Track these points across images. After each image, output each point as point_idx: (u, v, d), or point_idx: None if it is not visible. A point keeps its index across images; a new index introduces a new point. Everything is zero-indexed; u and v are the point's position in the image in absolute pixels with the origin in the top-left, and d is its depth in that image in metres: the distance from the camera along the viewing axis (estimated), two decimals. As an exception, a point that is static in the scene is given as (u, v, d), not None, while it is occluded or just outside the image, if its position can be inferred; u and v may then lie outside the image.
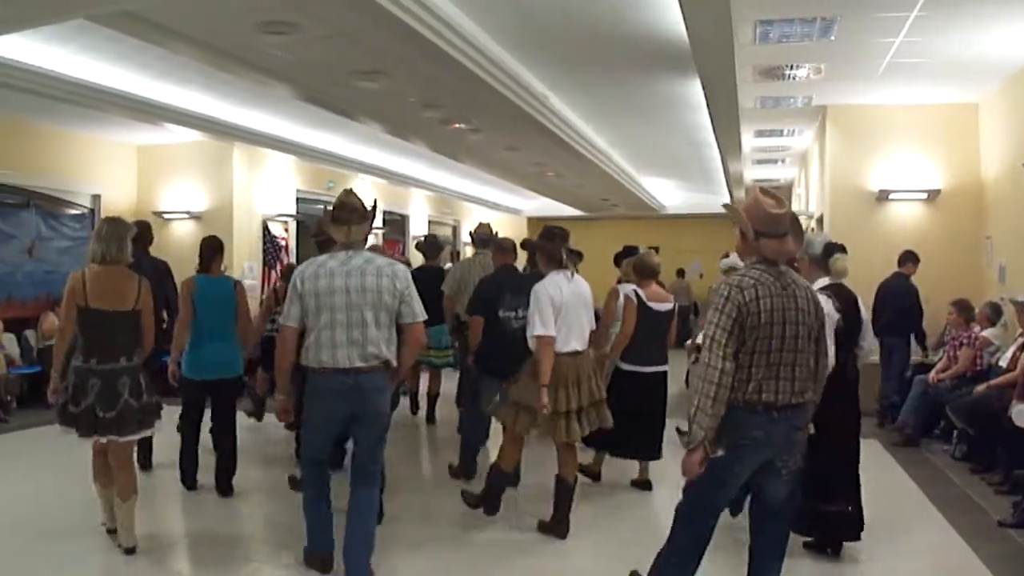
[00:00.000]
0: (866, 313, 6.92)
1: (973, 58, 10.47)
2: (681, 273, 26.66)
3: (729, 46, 8.79)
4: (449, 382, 12.16)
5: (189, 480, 8.53)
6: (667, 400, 8.81)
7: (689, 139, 16.07)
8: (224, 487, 8.50)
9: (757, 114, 13.80)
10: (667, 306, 8.71)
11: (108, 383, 6.46)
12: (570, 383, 6.99)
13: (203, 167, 16.41)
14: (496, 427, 8.17)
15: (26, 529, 7.42)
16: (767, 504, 5.03)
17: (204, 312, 8.26)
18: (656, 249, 29.64)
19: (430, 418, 12.25)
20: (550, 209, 28.26)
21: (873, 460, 10.01)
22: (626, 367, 8.50)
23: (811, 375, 4.87)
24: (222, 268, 8.68)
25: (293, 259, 16.99)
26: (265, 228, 17.00)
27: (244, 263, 16.10)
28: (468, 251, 11.39)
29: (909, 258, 12.09)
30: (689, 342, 10.20)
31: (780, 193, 15.62)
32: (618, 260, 10.27)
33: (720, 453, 4.73)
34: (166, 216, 16.46)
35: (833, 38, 9.62)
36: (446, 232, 26.66)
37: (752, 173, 21.05)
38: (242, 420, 9.19)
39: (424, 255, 12.38)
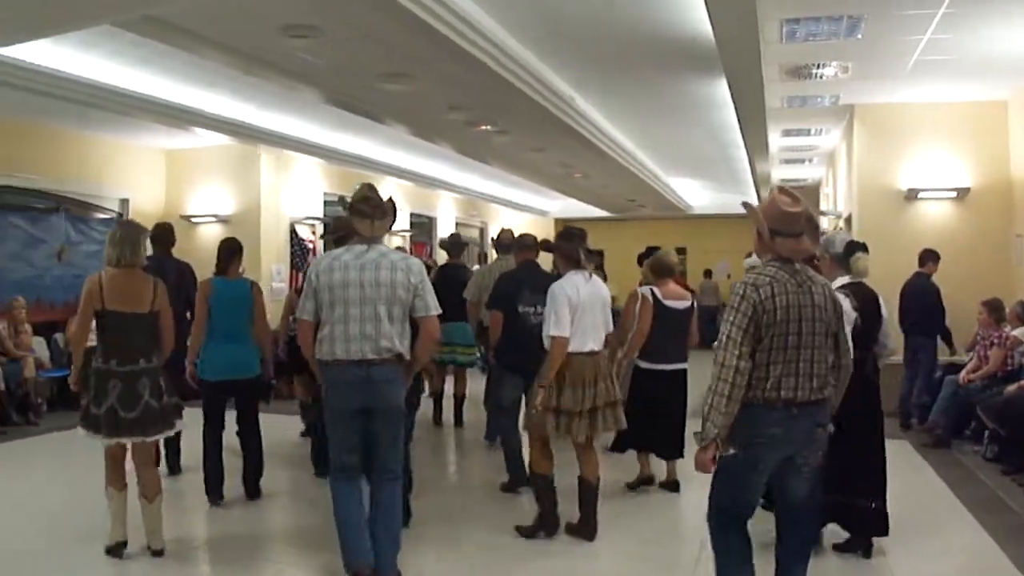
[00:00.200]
0: (887, 312, 6.87)
1: (1001, 55, 10.39)
2: (708, 274, 26.63)
3: (755, 45, 8.76)
4: (475, 383, 12.16)
5: (213, 494, 8.34)
6: (687, 399, 8.78)
7: (716, 139, 16.03)
8: (251, 489, 8.49)
9: (784, 113, 13.74)
10: (684, 304, 8.71)
11: (128, 384, 6.49)
12: (587, 382, 6.98)
13: (230, 171, 16.49)
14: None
15: (57, 531, 7.44)
16: (789, 503, 5.00)
17: (220, 313, 8.25)
18: (683, 250, 29.75)
19: (458, 420, 12.22)
20: (577, 210, 28.24)
21: (903, 461, 9.98)
22: (645, 365, 8.50)
23: (829, 371, 4.85)
24: (240, 270, 8.67)
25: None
26: (292, 231, 17.06)
27: (272, 266, 16.16)
28: (494, 254, 11.36)
29: (929, 257, 11.98)
30: (716, 343, 10.18)
31: (807, 193, 15.48)
32: (641, 261, 10.24)
33: (732, 451, 4.72)
34: (194, 220, 16.55)
35: (860, 36, 9.57)
36: (473, 234, 26.65)
37: (779, 173, 20.96)
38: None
39: (448, 253, 12.37)
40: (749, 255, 10.64)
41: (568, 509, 7.38)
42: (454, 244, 12.47)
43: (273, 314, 10.09)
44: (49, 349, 13.63)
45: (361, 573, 5.99)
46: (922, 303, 11.70)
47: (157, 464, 7.69)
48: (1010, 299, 11.41)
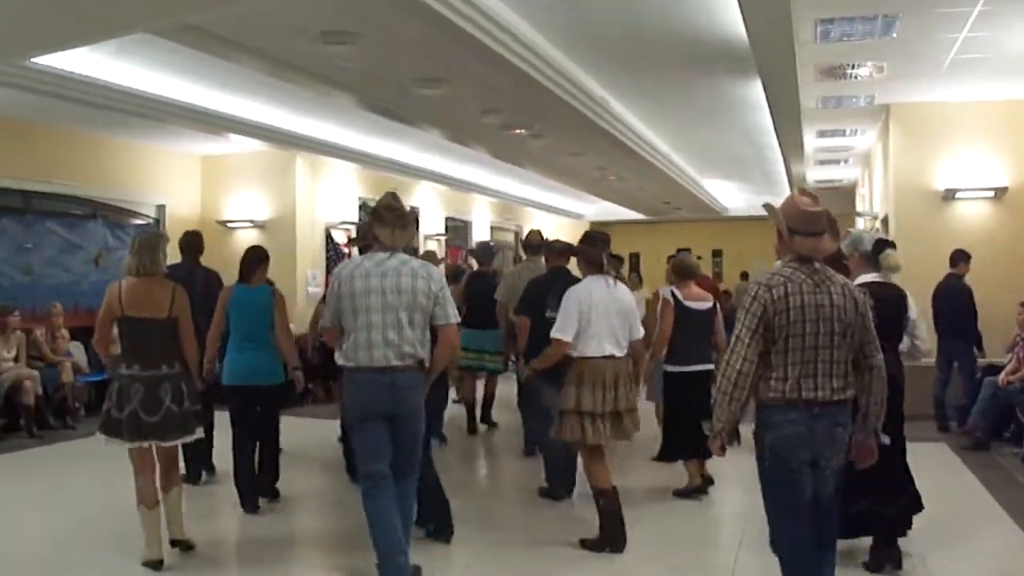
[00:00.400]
0: (915, 312, 6.80)
1: (1039, 52, 10.30)
2: (745, 276, 26.52)
3: (790, 46, 8.74)
4: (505, 386, 12.16)
5: (248, 503, 8.31)
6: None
7: (750, 140, 15.99)
8: (264, 494, 8.48)
9: (819, 114, 13.67)
10: (705, 305, 8.71)
11: (150, 389, 6.54)
12: (608, 385, 7.01)
13: (266, 176, 16.58)
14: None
15: (93, 536, 7.48)
16: (815, 504, 4.90)
17: (240, 320, 8.32)
18: (719, 252, 29.67)
19: (484, 418, 12.22)
20: (612, 213, 28.23)
21: (942, 464, 9.94)
22: (671, 369, 8.53)
23: (852, 371, 4.84)
24: (267, 279, 8.72)
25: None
26: (328, 236, 17.13)
27: (307, 271, 16.23)
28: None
29: (961, 258, 11.84)
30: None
31: (842, 194, 15.54)
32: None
33: (765, 460, 4.78)
34: (230, 225, 16.66)
35: (895, 35, 9.52)
36: (508, 238, 26.66)
37: (814, 174, 20.88)
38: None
39: (478, 261, 12.39)
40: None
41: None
42: (484, 252, 12.49)
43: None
44: (87, 354, 13.70)
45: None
46: (954, 305, 11.60)
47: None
48: (1050, 299, 11.30)
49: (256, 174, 16.62)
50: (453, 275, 14.66)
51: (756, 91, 11.19)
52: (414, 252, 9.77)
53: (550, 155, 15.98)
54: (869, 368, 4.89)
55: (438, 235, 21.98)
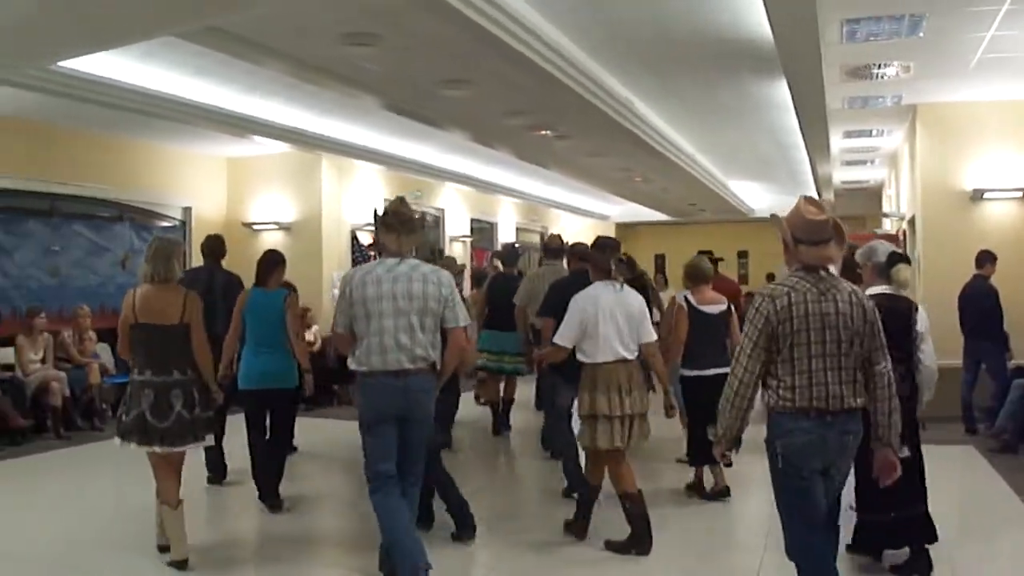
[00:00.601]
0: (924, 326, 6.72)
1: (1068, 51, 10.22)
2: (771, 277, 26.39)
3: (815, 46, 8.69)
4: (525, 388, 12.17)
5: (268, 498, 8.43)
6: None
7: (776, 141, 15.94)
8: (264, 494, 8.49)
9: (845, 114, 13.62)
10: (719, 308, 8.70)
11: (161, 395, 6.60)
12: (623, 389, 7.07)
13: (292, 178, 16.63)
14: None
15: (115, 535, 7.53)
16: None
17: (255, 324, 8.40)
18: (744, 253, 29.60)
19: (505, 424, 12.24)
20: (637, 214, 28.20)
21: (969, 466, 9.90)
22: (688, 373, 8.54)
23: (859, 379, 4.84)
24: (286, 282, 8.81)
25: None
26: (354, 237, 17.16)
27: (333, 272, 16.24)
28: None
29: (987, 258, 11.72)
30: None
31: (869, 195, 15.48)
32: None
33: (778, 466, 4.81)
34: (256, 227, 16.72)
35: (922, 35, 9.46)
36: (534, 239, 26.66)
37: (841, 175, 20.82)
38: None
39: (502, 263, 12.41)
40: None
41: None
42: (508, 254, 12.54)
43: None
44: (113, 356, 13.76)
45: (417, 571, 6.01)
46: (981, 306, 11.49)
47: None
48: (1080, 300, 11.23)
49: (281, 176, 16.68)
50: (477, 280, 14.73)
51: (782, 91, 11.14)
52: (440, 254, 9.81)
53: (575, 156, 15.97)
54: (875, 375, 4.87)
55: (463, 237, 22.00)
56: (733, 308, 9.04)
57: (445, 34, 8.14)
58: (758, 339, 4.72)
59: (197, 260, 10.39)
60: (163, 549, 6.85)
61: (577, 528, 7.36)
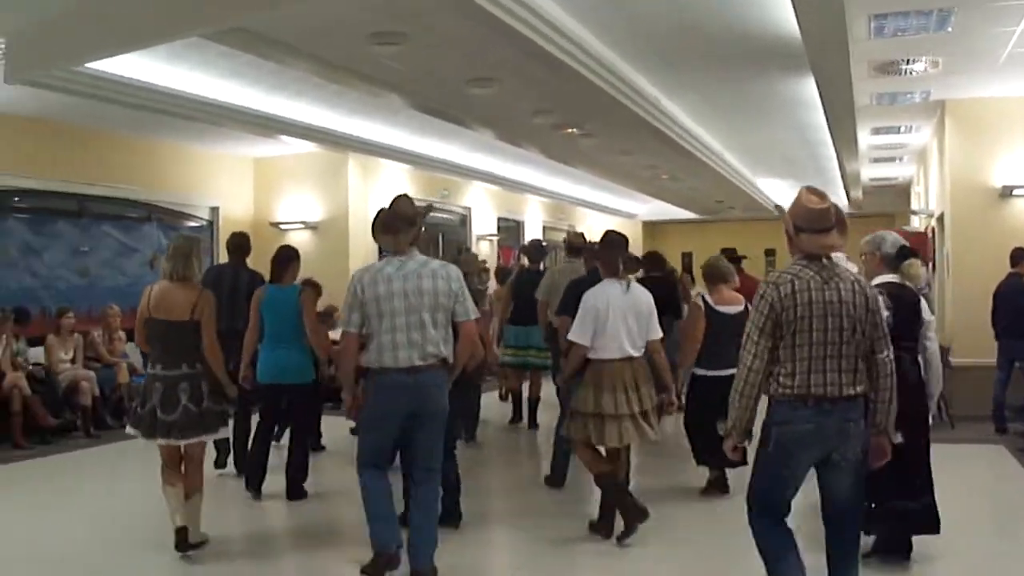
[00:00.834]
0: (929, 315, 6.81)
1: (1098, 45, 10.13)
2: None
3: (843, 42, 8.65)
4: (549, 386, 12.20)
5: (251, 488, 8.70)
6: None
7: (804, 138, 15.87)
8: (289, 489, 8.69)
9: (873, 111, 13.55)
10: (736, 308, 8.64)
11: (169, 388, 6.77)
12: (629, 387, 7.15)
13: (318, 177, 16.69)
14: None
15: (142, 533, 7.54)
16: (833, 500, 5.03)
17: (271, 320, 8.57)
18: (772, 251, 29.48)
19: (532, 423, 12.29)
20: (664, 212, 28.18)
21: (997, 466, 9.88)
22: (700, 372, 8.54)
23: (861, 367, 4.88)
24: (306, 279, 9.03)
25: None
26: (380, 237, 17.11)
27: (360, 271, 16.26)
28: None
29: (1021, 256, 11.62)
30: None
31: (897, 192, 15.43)
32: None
33: (748, 443, 4.98)
34: (283, 227, 16.76)
35: (950, 30, 9.40)
36: (560, 237, 26.60)
37: (869, 172, 20.73)
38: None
39: (528, 258, 12.42)
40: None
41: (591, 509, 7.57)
42: (534, 250, 12.53)
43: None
44: (142, 355, 13.85)
45: (388, 553, 6.18)
46: (1015, 304, 11.36)
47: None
48: (1111, 296, 11.13)
49: (308, 175, 16.74)
50: (501, 276, 14.73)
51: (809, 88, 11.10)
52: (465, 252, 9.80)
53: (601, 154, 15.96)
54: (876, 363, 4.92)
55: (490, 235, 22.01)
56: None
57: (472, 33, 8.15)
58: (764, 325, 4.79)
59: (225, 259, 10.44)
60: (180, 532, 6.93)
61: (602, 527, 7.35)
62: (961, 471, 9.58)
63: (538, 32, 8.11)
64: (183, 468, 7.01)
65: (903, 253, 6.78)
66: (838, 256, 5.22)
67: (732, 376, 8.18)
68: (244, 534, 7.82)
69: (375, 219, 6.45)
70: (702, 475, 8.80)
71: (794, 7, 7.61)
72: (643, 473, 9.18)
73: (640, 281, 10.11)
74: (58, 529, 7.94)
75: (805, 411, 4.76)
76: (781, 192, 24.58)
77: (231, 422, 8.57)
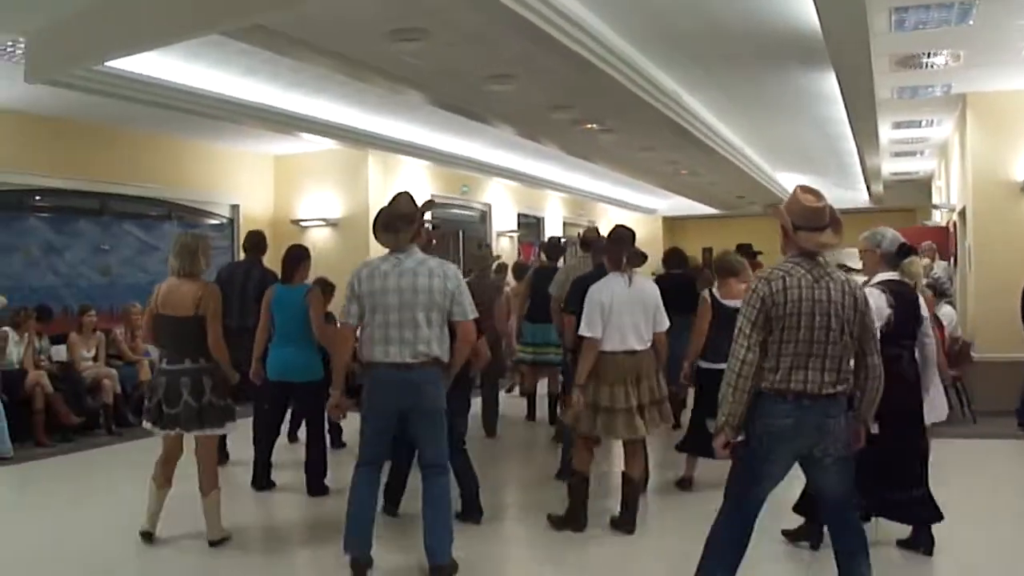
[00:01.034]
0: (924, 311, 6.87)
1: (1121, 37, 10.06)
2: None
3: (864, 35, 8.62)
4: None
5: (255, 482, 8.95)
6: None
7: (824, 133, 15.82)
8: (310, 485, 8.83)
9: (894, 105, 13.50)
10: (740, 302, 8.66)
11: (172, 382, 6.93)
12: (629, 381, 7.19)
13: (338, 175, 16.72)
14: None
15: (169, 530, 7.47)
16: (824, 497, 5.17)
17: (279, 319, 8.73)
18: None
19: (552, 419, 12.22)
20: (685, 208, 28.14)
21: (1017, 461, 9.80)
22: (704, 365, 8.54)
23: (847, 367, 4.97)
24: (319, 279, 9.32)
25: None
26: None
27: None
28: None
29: None
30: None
31: (918, 186, 15.42)
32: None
33: (740, 438, 5.00)
34: (303, 224, 16.80)
35: (972, 23, 9.35)
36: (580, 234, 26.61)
37: (890, 166, 20.65)
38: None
39: (546, 255, 12.41)
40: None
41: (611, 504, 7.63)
42: (552, 247, 12.52)
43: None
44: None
45: (355, 559, 6.30)
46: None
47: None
48: None
49: (328, 173, 16.78)
50: (518, 272, 14.72)
51: (830, 82, 11.04)
52: (486, 247, 9.81)
53: (621, 150, 15.93)
54: (865, 366, 5.03)
55: (510, 232, 22.00)
56: None
57: (491, 28, 8.15)
58: (756, 319, 4.90)
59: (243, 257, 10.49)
60: (146, 536, 7.21)
61: (623, 522, 7.39)
62: (983, 466, 9.56)
63: (558, 28, 8.10)
64: (197, 468, 7.15)
65: (903, 250, 6.89)
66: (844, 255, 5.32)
67: None
68: (261, 529, 7.95)
69: (375, 218, 6.46)
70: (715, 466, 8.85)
71: (815, 2, 7.58)
72: (667, 467, 9.19)
73: (659, 278, 10.16)
74: (80, 526, 7.97)
75: (785, 406, 4.86)
76: (802, 187, 24.47)
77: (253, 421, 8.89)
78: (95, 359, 12.56)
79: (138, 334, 13.33)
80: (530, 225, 23.67)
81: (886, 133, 15.93)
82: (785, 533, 6.91)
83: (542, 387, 12.60)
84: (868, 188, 22.16)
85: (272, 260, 9.76)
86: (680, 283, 10.03)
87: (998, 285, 12.00)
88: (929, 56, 10.76)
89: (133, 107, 11.14)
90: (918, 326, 6.73)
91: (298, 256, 8.88)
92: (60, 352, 12.50)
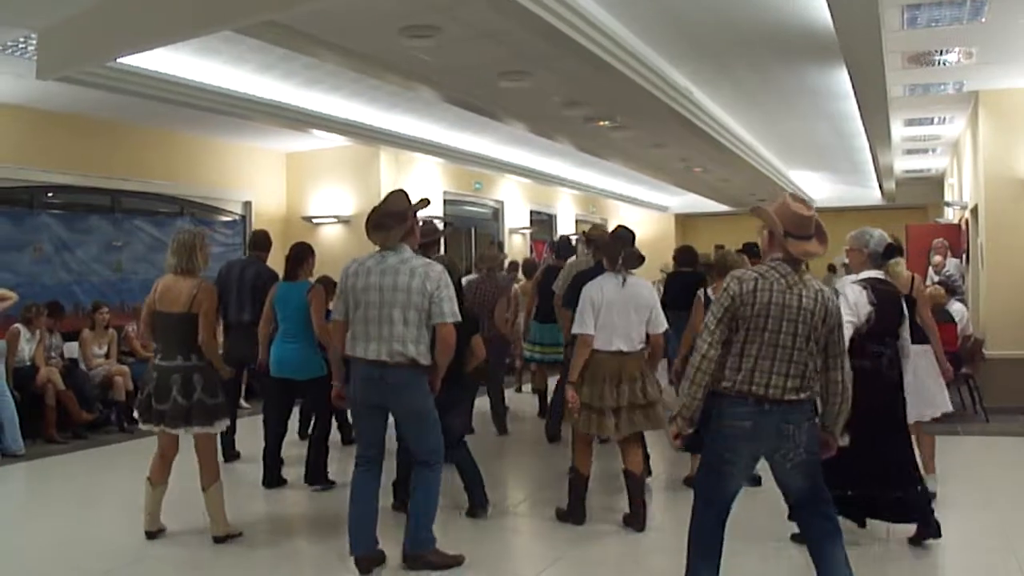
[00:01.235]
0: (906, 313, 6.89)
1: None
2: (832, 268, 26.15)
3: (876, 33, 8.60)
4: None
5: (266, 480, 8.93)
6: None
7: (837, 130, 15.79)
8: (307, 475, 8.88)
9: (906, 102, 13.47)
10: None
11: (163, 378, 6.96)
12: (609, 380, 7.19)
13: (350, 171, 16.74)
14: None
15: (180, 526, 7.51)
16: (792, 496, 5.19)
17: (281, 315, 8.79)
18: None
19: (542, 412, 12.25)
20: (697, 205, 28.09)
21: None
22: None
23: (812, 376, 4.97)
24: (320, 277, 9.38)
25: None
26: (412, 230, 17.14)
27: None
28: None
29: None
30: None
31: (930, 184, 15.44)
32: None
33: (691, 431, 5.05)
34: (315, 221, 16.83)
35: (984, 20, 9.33)
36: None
37: (902, 163, 20.61)
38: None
39: (556, 254, 12.41)
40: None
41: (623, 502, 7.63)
42: (562, 246, 12.53)
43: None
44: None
45: (360, 560, 6.31)
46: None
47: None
48: None
49: (341, 170, 16.79)
50: (526, 270, 14.73)
51: (842, 79, 11.03)
52: (500, 247, 9.80)
53: (634, 147, 15.91)
54: (828, 381, 5.05)
55: (522, 229, 22.01)
56: None
57: (503, 26, 8.15)
58: (722, 316, 4.92)
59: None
60: (151, 535, 7.22)
61: (632, 519, 7.41)
62: (995, 463, 9.53)
63: (570, 24, 8.10)
64: (198, 463, 7.15)
65: (889, 251, 6.96)
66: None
67: None
68: (268, 526, 7.93)
69: (368, 217, 6.43)
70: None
71: (827, -1, 7.59)
72: (678, 465, 9.17)
73: (669, 276, 10.17)
74: (91, 523, 8.00)
75: (744, 408, 4.88)
76: (814, 184, 24.53)
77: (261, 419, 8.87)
78: (107, 356, 12.58)
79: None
80: (542, 222, 23.68)
81: (898, 130, 15.89)
82: (794, 537, 6.90)
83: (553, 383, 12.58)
84: (880, 185, 22.11)
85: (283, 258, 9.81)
86: (689, 281, 10.00)
87: (1010, 282, 11.98)
88: (941, 53, 10.74)
89: (145, 103, 11.17)
90: (901, 325, 6.75)
91: (301, 253, 8.91)
92: (72, 349, 12.50)
